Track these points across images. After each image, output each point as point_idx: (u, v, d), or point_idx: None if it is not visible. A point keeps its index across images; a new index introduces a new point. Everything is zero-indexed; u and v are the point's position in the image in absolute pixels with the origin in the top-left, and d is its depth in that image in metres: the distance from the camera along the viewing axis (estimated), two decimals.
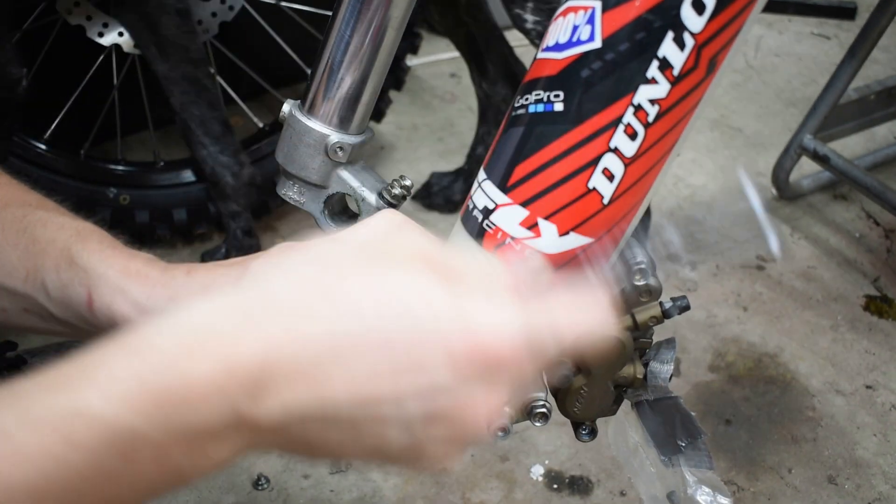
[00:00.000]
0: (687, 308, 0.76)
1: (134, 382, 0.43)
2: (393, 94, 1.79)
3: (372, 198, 0.87)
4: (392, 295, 0.48)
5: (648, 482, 0.83)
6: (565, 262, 0.66)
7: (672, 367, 0.78)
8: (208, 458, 0.45)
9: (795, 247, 1.80)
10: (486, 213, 0.67)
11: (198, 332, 0.45)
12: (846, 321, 1.62)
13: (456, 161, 1.97)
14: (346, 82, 0.86)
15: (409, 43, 1.70)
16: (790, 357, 1.54)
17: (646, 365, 0.80)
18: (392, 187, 0.87)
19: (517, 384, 0.51)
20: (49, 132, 1.55)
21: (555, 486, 1.30)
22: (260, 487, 1.27)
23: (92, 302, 0.66)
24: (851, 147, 2.03)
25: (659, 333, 0.80)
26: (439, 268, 0.51)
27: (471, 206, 0.69)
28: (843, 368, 1.52)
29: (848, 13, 2.15)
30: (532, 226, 0.65)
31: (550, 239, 0.65)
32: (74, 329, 0.70)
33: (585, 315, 0.53)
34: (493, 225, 0.66)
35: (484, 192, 0.67)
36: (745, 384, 1.48)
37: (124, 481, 0.43)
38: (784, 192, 1.90)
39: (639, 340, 0.78)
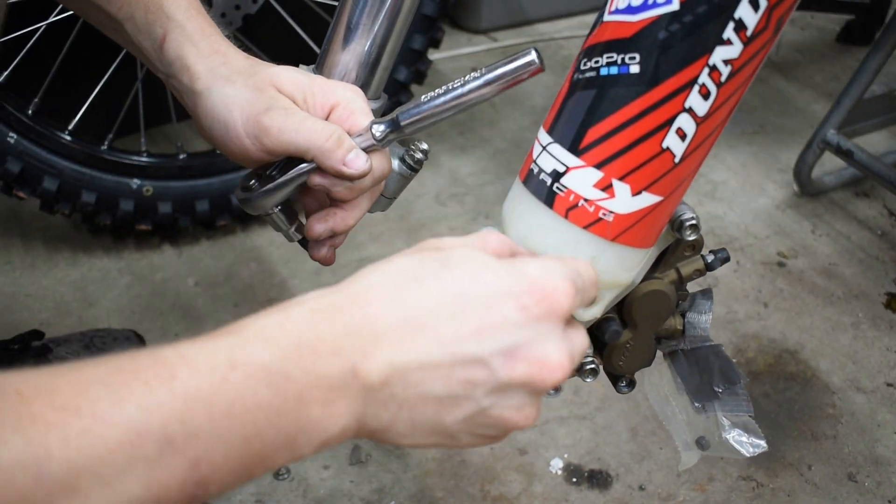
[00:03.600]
0: (727, 260, 0.80)
1: (281, 334, 0.55)
2: (414, 87, 1.79)
3: (395, 163, 0.87)
4: (463, 268, 0.60)
5: (680, 429, 0.85)
6: (636, 222, 0.67)
7: (710, 317, 0.81)
8: (331, 419, 0.55)
9: (817, 243, 1.79)
10: (556, 176, 0.67)
11: (322, 308, 0.58)
12: (867, 318, 1.61)
13: (477, 154, 1.97)
14: (365, 45, 0.85)
15: (431, 37, 1.70)
16: (811, 354, 1.53)
17: (682, 315, 0.81)
18: (413, 152, 0.87)
19: (566, 320, 0.62)
20: (73, 123, 1.56)
21: (574, 479, 1.30)
22: (280, 477, 1.28)
23: (165, 42, 0.82)
24: (874, 144, 2.02)
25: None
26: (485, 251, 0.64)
27: (535, 170, 0.69)
28: (863, 366, 1.52)
29: None
30: (606, 187, 0.66)
31: (624, 199, 0.66)
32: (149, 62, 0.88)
33: (587, 264, 0.66)
34: (565, 188, 0.67)
35: (551, 154, 0.68)
36: (765, 380, 1.48)
37: (271, 420, 0.53)
38: (806, 188, 1.89)
39: (676, 293, 0.80)
